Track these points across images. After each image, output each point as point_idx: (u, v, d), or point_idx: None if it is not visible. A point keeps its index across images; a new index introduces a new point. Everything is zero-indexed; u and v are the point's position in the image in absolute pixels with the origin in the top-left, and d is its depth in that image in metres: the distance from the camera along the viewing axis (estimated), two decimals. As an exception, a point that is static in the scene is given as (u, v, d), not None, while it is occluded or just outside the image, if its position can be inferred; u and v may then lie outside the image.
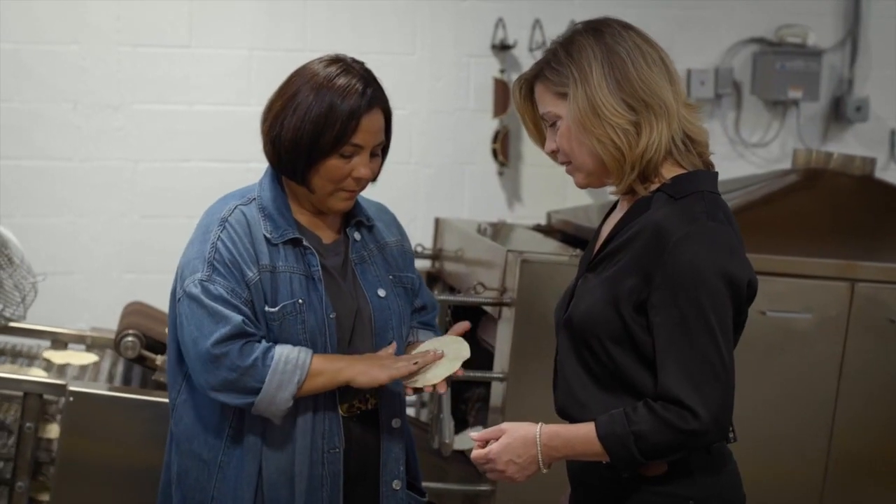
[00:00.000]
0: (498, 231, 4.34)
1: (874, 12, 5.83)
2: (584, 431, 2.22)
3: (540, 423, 2.28)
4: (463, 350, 2.63)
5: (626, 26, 2.30)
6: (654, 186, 2.27)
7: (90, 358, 3.97)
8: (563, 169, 2.35)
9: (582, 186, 2.35)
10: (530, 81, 2.34)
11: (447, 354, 2.61)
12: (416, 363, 2.56)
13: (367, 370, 2.53)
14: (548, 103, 2.31)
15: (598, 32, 2.27)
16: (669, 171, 2.27)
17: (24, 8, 4.94)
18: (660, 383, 2.17)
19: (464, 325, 2.69)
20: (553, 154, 2.34)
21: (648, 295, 2.18)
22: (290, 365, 2.48)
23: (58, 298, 4.84)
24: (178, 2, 5.10)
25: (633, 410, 2.18)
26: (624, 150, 2.22)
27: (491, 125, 5.45)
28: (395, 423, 2.68)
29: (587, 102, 2.23)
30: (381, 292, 2.65)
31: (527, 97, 2.36)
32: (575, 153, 2.29)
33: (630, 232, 2.24)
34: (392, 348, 2.61)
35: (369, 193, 2.69)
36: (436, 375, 2.58)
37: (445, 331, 3.67)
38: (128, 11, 5.05)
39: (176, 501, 2.65)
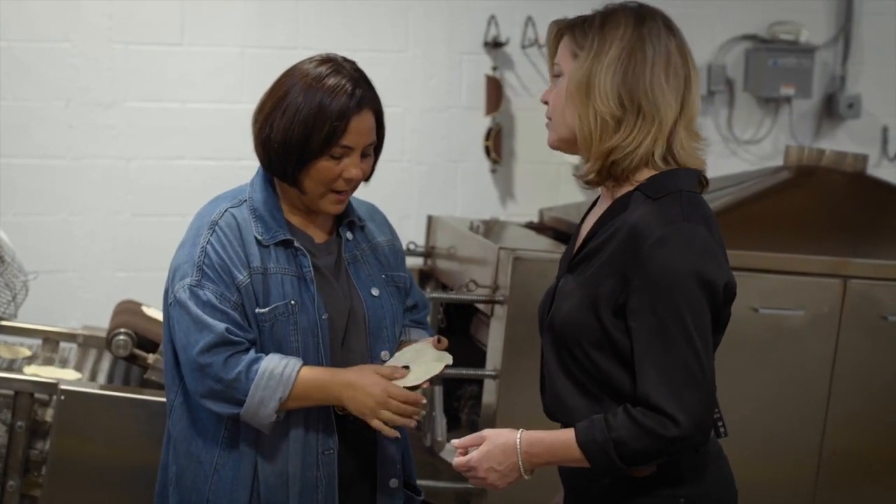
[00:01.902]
0: (490, 228, 4.35)
1: (866, 9, 5.83)
2: (565, 438, 2.21)
3: (520, 430, 2.27)
4: (444, 356, 2.60)
5: (671, 29, 2.24)
6: (630, 188, 2.24)
7: (24, 352, 3.95)
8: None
9: (552, 147, 2.32)
10: (562, 30, 2.29)
11: (430, 358, 2.59)
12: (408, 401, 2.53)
13: (353, 401, 2.50)
14: (562, 57, 2.27)
15: (641, 20, 2.22)
16: (647, 174, 2.23)
17: (17, 5, 4.93)
18: (638, 389, 2.15)
19: (440, 341, 2.65)
20: (546, 103, 2.31)
21: (626, 299, 2.16)
22: (273, 381, 2.47)
23: (51, 296, 4.84)
24: (171, 0, 5.09)
25: (614, 416, 2.17)
26: (594, 137, 2.20)
27: (483, 123, 5.44)
28: (391, 421, 2.68)
29: (586, 76, 2.19)
30: (375, 291, 2.65)
31: (557, 41, 2.30)
32: (558, 113, 2.27)
33: (607, 232, 2.22)
34: (385, 366, 2.59)
35: (362, 191, 2.68)
36: (416, 378, 2.55)
37: (438, 329, 3.68)
38: (120, 9, 5.04)
39: (173, 502, 2.64)
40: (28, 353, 3.97)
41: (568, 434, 2.21)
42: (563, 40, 2.28)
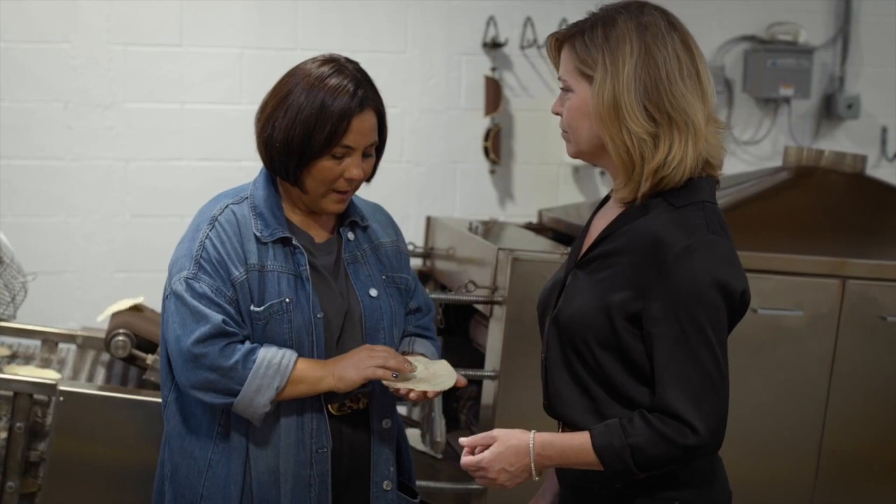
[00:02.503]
0: (489, 229, 4.34)
1: (865, 9, 5.84)
2: (579, 442, 2.20)
3: (532, 432, 2.26)
4: (447, 381, 2.61)
5: (672, 26, 2.23)
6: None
7: (2, 351, 3.94)
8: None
9: (572, 156, 2.32)
10: (561, 42, 2.28)
11: (432, 380, 2.59)
12: (392, 372, 2.55)
13: (343, 375, 2.53)
14: (567, 72, 2.25)
15: (643, 27, 2.20)
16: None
17: (16, 6, 4.93)
18: (658, 396, 2.15)
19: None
20: (558, 115, 2.30)
21: (645, 306, 2.16)
22: (270, 370, 2.48)
23: (49, 297, 4.84)
24: (169, 1, 5.09)
25: (630, 422, 2.16)
26: (635, 159, 2.19)
27: (482, 123, 5.44)
28: (386, 423, 2.69)
29: (612, 97, 2.18)
30: (373, 292, 2.65)
31: (557, 52, 2.29)
32: (575, 130, 2.26)
33: (625, 236, 2.22)
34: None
35: (362, 190, 2.69)
36: (405, 385, 2.57)
37: (439, 330, 3.68)
38: (119, 10, 5.05)
39: (168, 498, 2.66)
40: (8, 351, 3.96)
41: (583, 438, 2.20)
42: (564, 53, 2.27)
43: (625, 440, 2.15)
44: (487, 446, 2.28)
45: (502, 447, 2.26)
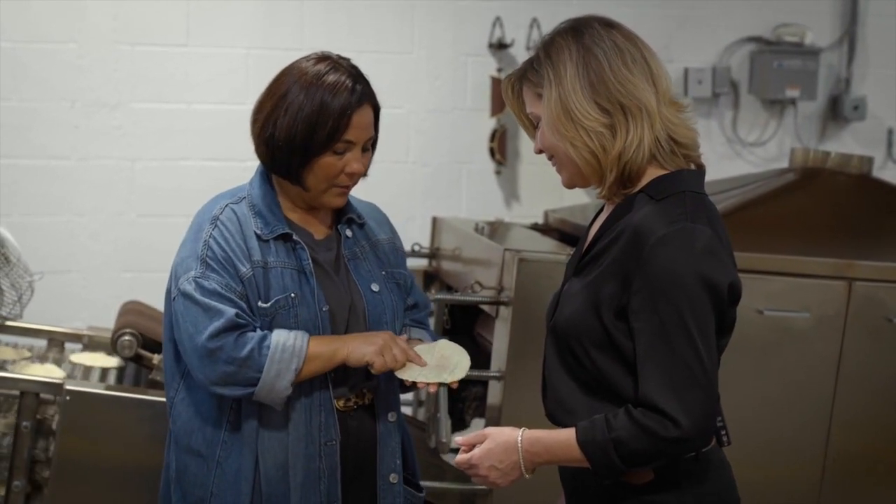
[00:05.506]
0: (495, 230, 4.34)
1: (871, 11, 5.83)
2: (565, 437, 2.20)
3: (522, 429, 2.27)
4: (463, 363, 2.62)
5: (609, 25, 2.27)
6: (634, 189, 2.24)
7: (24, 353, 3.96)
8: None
9: (567, 186, 2.33)
10: (518, 81, 2.33)
11: (448, 366, 2.61)
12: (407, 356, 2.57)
13: (357, 347, 2.55)
14: (530, 104, 2.30)
15: (578, 32, 2.25)
16: (652, 175, 2.24)
17: (22, 7, 4.94)
18: (640, 390, 2.14)
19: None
20: (541, 153, 2.33)
21: (628, 300, 2.16)
22: (286, 353, 2.50)
23: (55, 297, 4.84)
24: (176, 1, 5.10)
25: (614, 417, 2.16)
26: (598, 154, 2.20)
27: (488, 124, 5.45)
28: (391, 416, 2.70)
29: (560, 105, 2.21)
30: (375, 287, 2.67)
31: (518, 95, 2.34)
32: (553, 150, 2.28)
33: (612, 235, 2.22)
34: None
35: (367, 190, 2.70)
36: (425, 377, 2.58)
37: (442, 330, 3.68)
38: (126, 10, 5.06)
39: (176, 499, 2.66)
40: (28, 354, 3.97)
41: (569, 433, 2.20)
42: (524, 90, 2.31)
43: (607, 434, 2.15)
44: (481, 444, 2.29)
45: (492, 444, 2.27)
